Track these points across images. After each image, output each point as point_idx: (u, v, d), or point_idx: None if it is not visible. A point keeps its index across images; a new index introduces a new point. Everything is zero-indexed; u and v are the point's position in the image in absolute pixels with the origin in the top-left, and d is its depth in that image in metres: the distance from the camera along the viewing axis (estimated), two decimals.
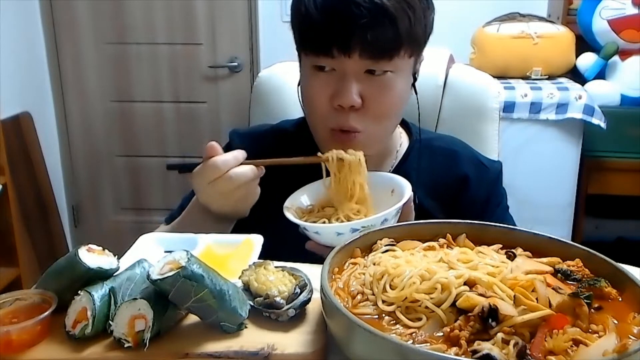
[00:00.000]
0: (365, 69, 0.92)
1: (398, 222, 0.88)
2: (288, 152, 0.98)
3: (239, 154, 0.92)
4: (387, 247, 0.72)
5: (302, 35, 0.95)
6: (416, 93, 1.05)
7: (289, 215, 0.90)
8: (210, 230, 0.93)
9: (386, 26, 0.89)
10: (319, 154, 0.96)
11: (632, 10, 2.26)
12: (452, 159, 1.08)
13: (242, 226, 0.98)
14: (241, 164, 0.91)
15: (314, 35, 0.92)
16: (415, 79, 1.03)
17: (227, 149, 1.10)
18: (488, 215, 1.04)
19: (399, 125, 1.12)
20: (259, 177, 0.93)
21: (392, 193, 0.93)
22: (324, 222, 0.90)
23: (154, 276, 0.61)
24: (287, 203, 0.94)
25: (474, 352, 0.54)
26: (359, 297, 0.65)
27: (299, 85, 1.05)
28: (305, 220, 0.91)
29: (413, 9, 0.90)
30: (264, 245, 0.84)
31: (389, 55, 0.91)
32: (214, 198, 0.93)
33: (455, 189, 1.06)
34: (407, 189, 0.90)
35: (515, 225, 1.07)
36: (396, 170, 1.07)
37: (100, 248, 0.70)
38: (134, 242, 0.85)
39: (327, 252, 0.69)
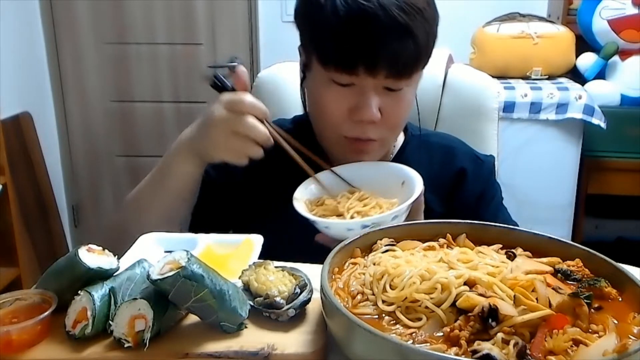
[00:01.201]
0: (385, 85, 0.92)
1: (408, 216, 0.88)
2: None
3: (268, 113, 0.91)
4: (387, 247, 0.72)
5: (324, 50, 0.92)
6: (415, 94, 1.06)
7: (299, 207, 0.88)
8: (177, 169, 0.94)
9: (409, 44, 0.88)
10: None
11: (632, 10, 2.26)
12: (449, 153, 1.10)
13: (242, 226, 0.98)
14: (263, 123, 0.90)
15: (339, 53, 0.90)
16: None
17: None
18: (484, 207, 1.06)
19: None
20: (261, 148, 0.91)
21: (403, 185, 0.93)
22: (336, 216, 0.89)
23: (154, 276, 0.61)
24: (296, 194, 0.92)
25: (474, 352, 0.54)
26: (359, 297, 0.65)
27: (301, 85, 1.05)
28: (315, 213, 0.90)
29: (428, 22, 0.90)
30: (264, 245, 0.84)
31: (410, 73, 0.92)
32: (214, 122, 0.89)
33: (453, 182, 1.08)
34: (418, 183, 0.90)
35: (510, 217, 1.09)
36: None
37: (100, 248, 0.70)
38: (134, 242, 0.85)
39: (335, 245, 0.70)
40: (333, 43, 0.90)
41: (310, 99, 1.02)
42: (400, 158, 1.09)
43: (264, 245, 0.84)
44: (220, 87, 0.92)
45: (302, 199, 0.93)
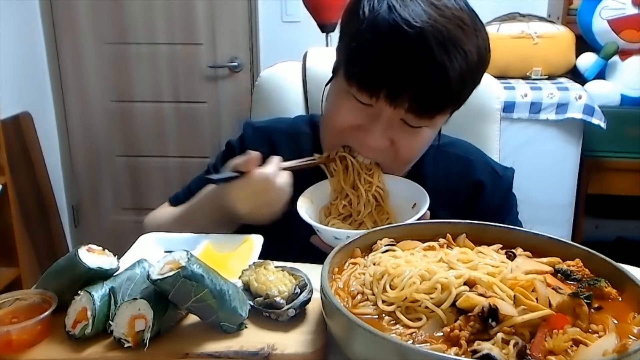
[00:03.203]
0: (404, 119, 0.89)
1: None
2: (302, 156, 0.97)
3: (278, 161, 0.90)
4: (387, 247, 0.72)
5: (352, 63, 0.88)
6: None
7: (301, 211, 0.90)
8: (214, 225, 0.92)
9: (439, 84, 0.83)
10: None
11: (632, 10, 2.26)
12: (467, 166, 1.07)
13: (242, 226, 0.98)
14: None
15: (365, 72, 0.86)
16: None
17: (240, 141, 1.10)
18: (499, 222, 1.03)
19: None
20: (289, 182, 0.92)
21: (414, 207, 0.92)
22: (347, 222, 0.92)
23: (154, 276, 0.61)
24: (306, 194, 0.94)
25: (474, 352, 0.54)
26: (359, 297, 0.65)
27: (326, 86, 1.01)
28: (326, 218, 0.93)
29: (469, 67, 0.86)
30: (264, 245, 0.84)
31: (433, 113, 0.88)
32: (258, 208, 0.89)
33: (469, 197, 1.05)
34: (425, 204, 0.89)
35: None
36: (411, 175, 1.06)
37: (100, 248, 0.70)
38: (134, 242, 0.85)
39: (329, 250, 0.69)
40: (362, 59, 0.86)
41: (327, 101, 1.00)
42: (417, 171, 1.05)
43: (264, 246, 0.84)
44: (222, 181, 0.91)
45: (310, 197, 0.94)
